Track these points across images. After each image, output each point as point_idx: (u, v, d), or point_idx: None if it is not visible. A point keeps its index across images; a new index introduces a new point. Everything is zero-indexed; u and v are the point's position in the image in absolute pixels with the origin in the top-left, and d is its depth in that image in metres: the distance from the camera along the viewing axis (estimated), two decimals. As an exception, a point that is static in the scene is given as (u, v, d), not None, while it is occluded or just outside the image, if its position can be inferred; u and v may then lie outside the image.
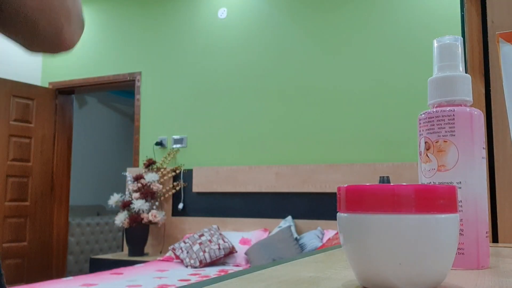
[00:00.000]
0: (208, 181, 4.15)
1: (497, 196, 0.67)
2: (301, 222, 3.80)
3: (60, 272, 4.88)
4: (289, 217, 3.79)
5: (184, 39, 4.50)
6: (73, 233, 5.45)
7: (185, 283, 2.77)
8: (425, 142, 0.44)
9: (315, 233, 3.56)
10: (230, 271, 3.21)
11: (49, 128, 4.92)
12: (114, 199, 4.12)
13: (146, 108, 4.59)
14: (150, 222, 4.03)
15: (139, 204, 4.01)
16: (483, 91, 0.71)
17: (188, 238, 3.73)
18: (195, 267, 3.51)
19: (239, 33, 4.27)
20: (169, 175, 4.31)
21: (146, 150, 4.52)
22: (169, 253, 3.84)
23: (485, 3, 0.72)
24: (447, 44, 0.45)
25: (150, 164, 4.27)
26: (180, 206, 4.26)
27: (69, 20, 0.58)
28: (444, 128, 0.43)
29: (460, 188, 0.43)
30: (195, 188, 4.20)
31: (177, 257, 3.66)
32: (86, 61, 4.94)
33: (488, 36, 0.71)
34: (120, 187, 5.48)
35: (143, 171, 4.29)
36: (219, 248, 3.57)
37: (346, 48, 3.87)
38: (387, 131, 3.66)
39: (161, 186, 4.19)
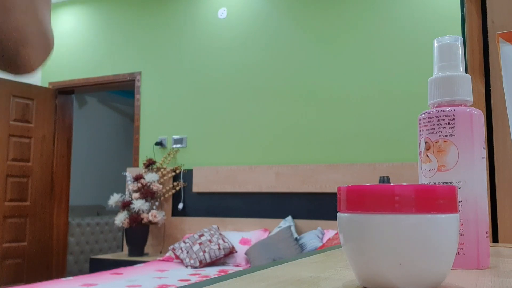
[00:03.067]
0: (208, 181, 4.15)
1: (497, 196, 0.67)
2: (301, 222, 3.80)
3: (60, 272, 4.88)
4: (289, 217, 3.79)
5: (184, 39, 4.49)
6: (73, 233, 5.45)
7: (185, 283, 2.77)
8: (425, 142, 0.44)
9: (315, 233, 3.56)
10: (230, 271, 3.22)
11: (49, 128, 4.92)
12: (114, 199, 4.12)
13: (146, 108, 4.59)
14: (150, 222, 4.03)
15: (139, 204, 4.01)
16: (483, 91, 0.71)
17: (188, 238, 3.73)
18: (195, 267, 3.51)
19: (239, 33, 4.27)
20: (169, 175, 4.31)
21: (146, 150, 4.52)
22: (169, 253, 3.84)
23: (485, 3, 0.72)
24: (447, 44, 0.45)
25: (150, 164, 4.28)
26: (180, 206, 4.26)
27: (24, 43, 0.53)
28: (444, 128, 0.43)
29: (460, 188, 0.43)
30: (195, 188, 4.20)
31: (177, 257, 3.66)
32: (86, 61, 4.94)
33: (488, 36, 0.71)
34: (120, 187, 5.48)
35: (143, 171, 4.29)
36: (219, 248, 3.57)
37: (346, 48, 3.87)
38: (387, 131, 3.66)
39: (161, 186, 4.19)
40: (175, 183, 4.31)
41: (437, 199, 0.31)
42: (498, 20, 0.70)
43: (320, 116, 3.89)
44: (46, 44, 0.57)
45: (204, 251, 3.55)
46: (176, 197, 4.33)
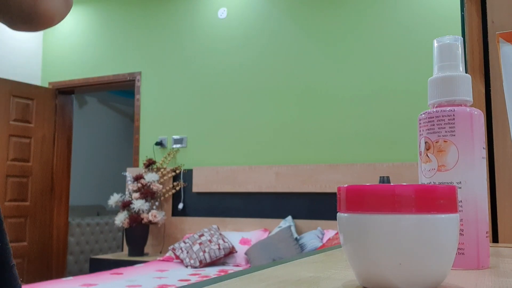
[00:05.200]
0: (208, 181, 4.15)
1: (497, 196, 0.67)
2: (301, 222, 3.80)
3: (60, 272, 4.88)
4: (289, 217, 3.79)
5: (184, 39, 4.49)
6: (73, 233, 5.45)
7: (185, 283, 2.77)
8: (425, 142, 0.44)
9: (315, 233, 3.56)
10: (230, 271, 3.22)
11: (49, 128, 4.92)
12: (114, 199, 4.12)
13: (146, 108, 4.59)
14: (150, 222, 4.03)
15: (139, 204, 4.01)
16: (483, 91, 0.71)
17: (188, 238, 3.73)
18: (195, 267, 3.51)
19: (239, 33, 4.27)
20: (169, 175, 4.31)
21: (146, 150, 4.52)
22: (169, 253, 3.84)
23: (485, 3, 0.72)
24: (447, 44, 0.45)
25: (150, 164, 4.28)
26: (180, 206, 4.26)
27: None
28: (444, 128, 0.43)
29: (460, 188, 0.42)
30: (195, 188, 4.20)
31: (177, 257, 3.66)
32: (86, 61, 4.94)
33: (488, 36, 0.71)
34: (120, 187, 5.48)
35: (143, 171, 4.29)
36: (219, 248, 3.57)
37: (346, 48, 3.87)
38: (387, 131, 3.66)
39: (161, 186, 4.19)
40: (175, 183, 4.31)
41: (437, 199, 0.31)
42: (498, 20, 0.70)
43: (320, 116, 3.89)
44: None
45: (204, 251, 3.55)
46: (176, 197, 4.32)
